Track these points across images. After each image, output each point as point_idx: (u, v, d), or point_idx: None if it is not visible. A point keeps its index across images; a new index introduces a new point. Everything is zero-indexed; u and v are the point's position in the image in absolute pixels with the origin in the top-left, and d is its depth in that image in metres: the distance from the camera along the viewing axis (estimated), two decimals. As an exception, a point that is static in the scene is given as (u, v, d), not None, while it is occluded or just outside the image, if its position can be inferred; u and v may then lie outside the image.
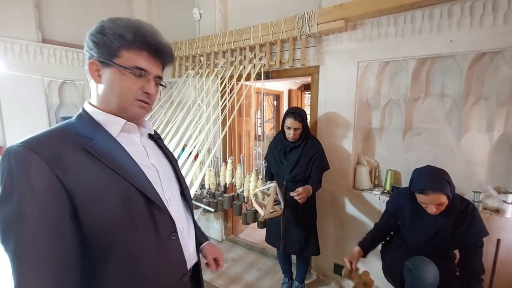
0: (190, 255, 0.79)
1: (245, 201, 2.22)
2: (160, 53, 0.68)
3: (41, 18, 2.50)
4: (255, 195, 1.83)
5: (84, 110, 0.68)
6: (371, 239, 1.54)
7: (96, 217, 0.59)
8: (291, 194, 1.65)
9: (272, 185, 1.77)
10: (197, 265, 0.85)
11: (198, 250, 0.88)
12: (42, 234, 0.53)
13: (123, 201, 0.62)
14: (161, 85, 0.73)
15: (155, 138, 0.82)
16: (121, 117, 0.68)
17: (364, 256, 1.50)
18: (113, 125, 0.67)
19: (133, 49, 0.64)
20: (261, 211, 1.67)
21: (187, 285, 0.76)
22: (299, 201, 1.64)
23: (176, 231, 0.72)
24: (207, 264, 0.95)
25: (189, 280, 0.76)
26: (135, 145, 0.71)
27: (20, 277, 0.53)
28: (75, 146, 0.60)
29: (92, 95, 0.69)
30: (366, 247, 1.50)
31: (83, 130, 0.63)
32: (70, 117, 0.68)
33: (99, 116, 0.66)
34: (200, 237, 0.94)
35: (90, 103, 0.69)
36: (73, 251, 0.57)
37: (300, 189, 1.64)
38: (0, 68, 2.21)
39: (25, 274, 0.53)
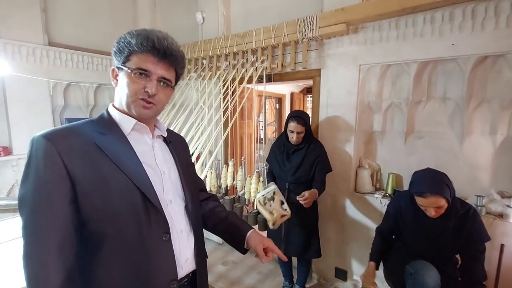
0: (187, 261, 0.78)
1: (246, 203, 2.21)
2: (167, 56, 0.72)
3: (47, 22, 2.55)
4: (259, 202, 1.72)
5: (106, 111, 0.76)
6: (378, 248, 1.52)
7: (92, 205, 0.64)
8: (297, 198, 1.64)
9: (273, 187, 1.75)
10: (195, 274, 0.81)
11: (203, 258, 0.85)
12: (47, 212, 0.61)
13: (119, 194, 0.66)
14: (171, 86, 0.76)
15: (168, 142, 0.84)
16: (133, 117, 0.73)
17: (377, 268, 1.48)
18: (125, 124, 0.73)
19: (139, 53, 0.70)
20: (269, 217, 1.55)
21: None
22: (304, 205, 1.64)
23: (169, 233, 0.72)
24: (256, 255, 0.88)
25: (177, 287, 0.73)
26: (145, 145, 0.76)
27: (26, 245, 0.61)
28: (87, 139, 0.67)
29: (115, 97, 0.76)
30: (377, 259, 1.49)
31: (98, 127, 0.71)
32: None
33: (116, 115, 0.74)
34: (241, 225, 0.93)
35: (114, 105, 0.76)
36: (69, 234, 0.63)
37: (306, 194, 1.63)
38: (8, 70, 2.25)
39: (30, 244, 0.61)
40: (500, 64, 1.55)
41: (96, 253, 0.66)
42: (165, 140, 0.84)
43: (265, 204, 1.72)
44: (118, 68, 0.72)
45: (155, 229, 0.70)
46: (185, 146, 0.96)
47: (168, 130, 0.86)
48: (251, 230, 0.91)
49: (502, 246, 1.50)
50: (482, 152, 1.68)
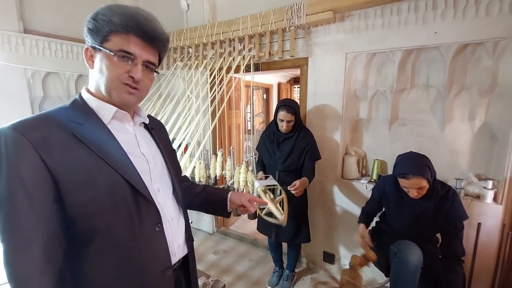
0: (179, 247, 0.78)
1: (236, 192, 2.22)
2: (152, 39, 0.67)
3: (22, 8, 2.40)
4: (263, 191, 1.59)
5: (80, 96, 0.69)
6: (365, 215, 1.63)
7: (78, 202, 0.60)
8: (288, 188, 1.67)
9: (275, 182, 1.70)
10: (187, 258, 0.83)
11: (191, 241, 0.86)
12: (27, 213, 0.56)
13: (107, 188, 0.62)
14: (155, 71, 0.72)
15: (149, 128, 0.81)
16: (113, 103, 0.68)
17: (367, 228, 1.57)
18: (105, 112, 0.67)
19: (121, 34, 0.63)
20: (279, 215, 1.33)
21: (169, 279, 0.74)
22: (295, 195, 1.67)
23: (161, 223, 0.71)
24: (242, 209, 0.97)
25: (172, 274, 0.74)
26: (127, 134, 0.72)
27: (8, 253, 0.56)
28: (64, 130, 0.61)
29: (89, 81, 0.70)
30: (366, 221, 1.59)
31: (74, 116, 0.64)
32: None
33: (92, 102, 0.67)
34: (220, 191, 1.00)
35: (88, 90, 0.69)
36: (56, 233, 0.59)
37: (297, 183, 1.67)
38: (-20, 59, 2.12)
39: (12, 250, 0.56)
40: (479, 52, 1.61)
41: (86, 250, 0.63)
42: (146, 126, 0.80)
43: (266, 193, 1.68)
44: (94, 48, 0.65)
45: (147, 221, 0.68)
46: (165, 131, 0.93)
47: (148, 116, 0.83)
48: (230, 192, 0.97)
49: (479, 224, 1.60)
50: (462, 138, 1.75)
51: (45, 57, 2.53)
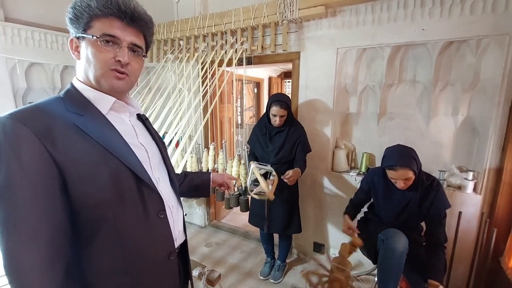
0: (179, 233, 0.82)
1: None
2: (133, 19, 0.65)
3: (2, -5, 2.29)
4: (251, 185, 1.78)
5: (72, 86, 0.67)
6: (351, 207, 1.70)
7: (85, 193, 0.60)
8: (282, 177, 1.71)
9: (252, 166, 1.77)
10: (185, 244, 0.87)
11: (185, 229, 0.89)
12: (32, 205, 0.54)
13: (113, 178, 0.62)
14: (143, 55, 0.71)
15: (143, 119, 0.82)
16: (105, 92, 0.67)
17: (352, 219, 1.65)
18: (103, 102, 0.67)
19: (102, 17, 0.62)
20: (266, 190, 1.57)
21: (173, 264, 0.77)
22: (288, 183, 1.71)
23: (164, 210, 0.73)
24: (222, 187, 1.12)
25: (176, 258, 0.78)
26: (125, 124, 0.72)
27: (9, 246, 0.54)
28: (65, 121, 0.60)
29: (77, 73, 0.68)
30: (351, 212, 1.66)
31: (72, 106, 0.63)
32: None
33: (89, 93, 0.66)
34: (201, 173, 1.12)
35: (79, 80, 0.68)
36: (63, 225, 0.58)
37: (290, 172, 1.71)
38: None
39: (15, 243, 0.54)
40: (463, 49, 1.68)
41: (91, 242, 0.63)
42: (139, 117, 0.81)
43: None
44: (78, 37, 0.64)
45: (151, 209, 0.70)
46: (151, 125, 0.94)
47: None
48: (211, 173, 1.10)
49: (460, 213, 1.69)
50: (445, 132, 1.83)
51: (28, 47, 2.43)
